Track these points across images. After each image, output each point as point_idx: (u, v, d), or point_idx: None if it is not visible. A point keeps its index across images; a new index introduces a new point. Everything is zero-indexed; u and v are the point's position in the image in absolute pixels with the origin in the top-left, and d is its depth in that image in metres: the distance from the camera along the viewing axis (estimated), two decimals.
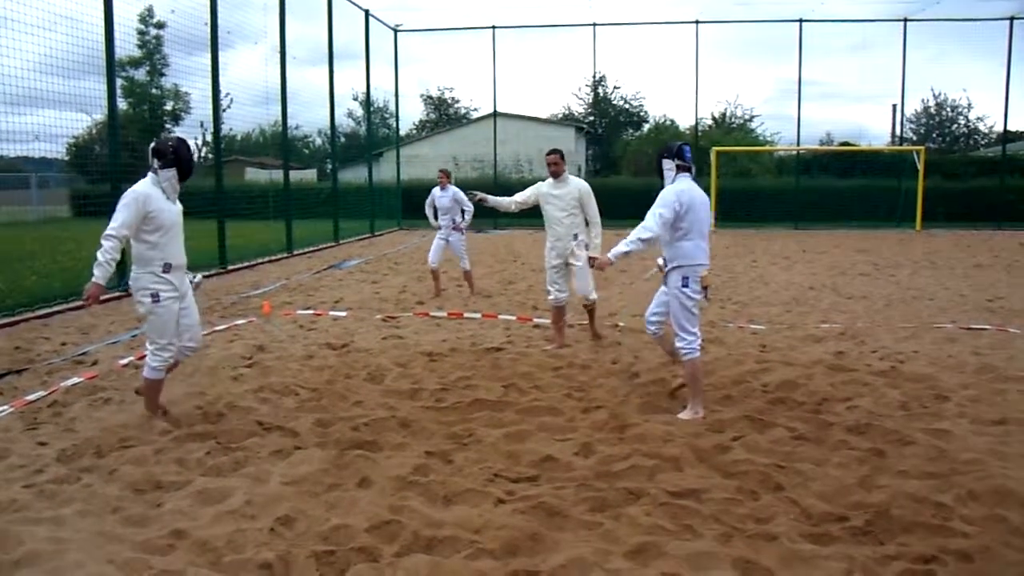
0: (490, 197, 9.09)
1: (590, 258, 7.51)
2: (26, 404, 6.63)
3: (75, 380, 7.36)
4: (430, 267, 12.57)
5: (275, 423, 5.97)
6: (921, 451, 5.29)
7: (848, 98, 61.02)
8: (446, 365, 7.77)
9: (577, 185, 8.47)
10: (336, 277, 15.26)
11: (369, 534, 4.16)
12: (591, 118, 48.19)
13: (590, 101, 48.83)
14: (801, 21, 27.46)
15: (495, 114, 31.08)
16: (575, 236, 8.45)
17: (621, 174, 40.27)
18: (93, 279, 5.60)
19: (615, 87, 51.53)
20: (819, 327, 9.62)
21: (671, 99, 75.49)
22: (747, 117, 46.00)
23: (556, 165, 8.42)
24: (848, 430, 5.74)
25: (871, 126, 79.90)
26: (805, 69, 27.89)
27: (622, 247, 6.17)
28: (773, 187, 30.97)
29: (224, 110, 17.38)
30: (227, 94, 17.74)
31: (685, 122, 41.78)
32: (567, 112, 52.90)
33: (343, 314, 10.76)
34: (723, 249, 19.78)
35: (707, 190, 26.20)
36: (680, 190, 6.17)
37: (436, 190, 12.78)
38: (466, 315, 10.54)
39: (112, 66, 12.93)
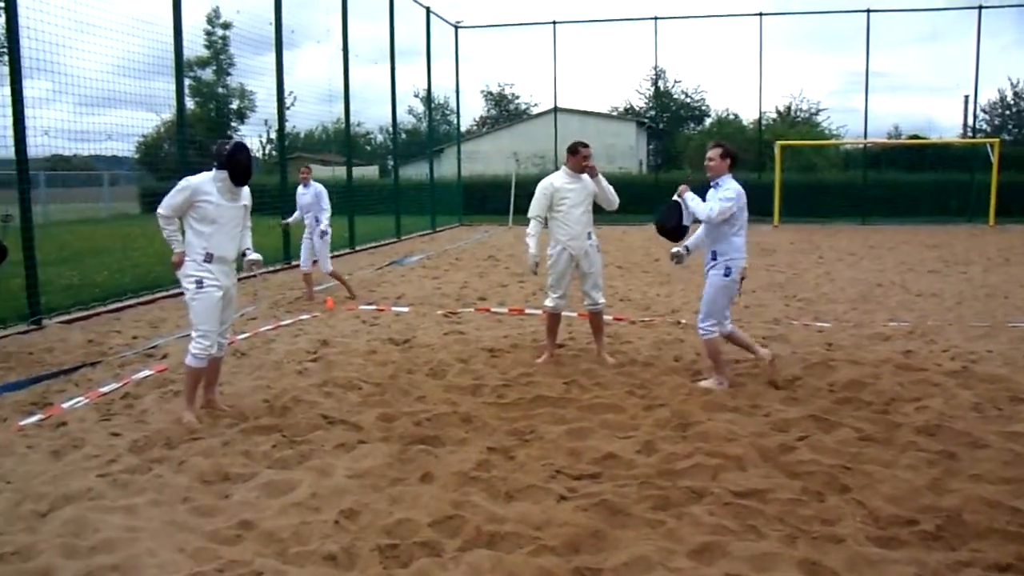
0: (535, 254, 7.85)
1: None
2: (100, 396, 6.84)
3: (146, 373, 7.57)
4: (302, 271, 11.92)
5: (339, 417, 6.06)
6: (995, 455, 5.15)
7: (917, 89, 59.66)
8: (507, 361, 7.80)
9: (588, 180, 7.80)
10: (398, 273, 15.41)
11: (432, 528, 4.20)
12: (652, 112, 47.82)
13: (651, 95, 48.44)
14: (869, 11, 26.82)
15: (555, 109, 31.01)
16: (589, 235, 7.78)
17: (683, 168, 39.91)
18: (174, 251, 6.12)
19: (676, 81, 51.11)
20: (887, 325, 9.41)
21: (734, 93, 74.76)
22: (812, 110, 45.26)
23: (585, 160, 7.72)
24: (917, 431, 5.61)
25: (941, 118, 78.05)
26: (872, 60, 27.26)
27: (697, 205, 6.80)
28: (839, 181, 30.36)
29: (288, 108, 17.65)
30: (291, 92, 18.05)
31: (748, 116, 41.28)
32: (628, 106, 52.57)
33: (405, 310, 10.86)
34: (787, 245, 19.48)
35: (771, 185, 26.05)
36: (740, 189, 6.67)
37: (299, 188, 11.96)
38: (527, 311, 10.54)
39: (180, 66, 13.24)
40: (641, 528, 4.22)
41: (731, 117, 43.06)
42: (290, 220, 12.20)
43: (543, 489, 4.68)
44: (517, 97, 59.11)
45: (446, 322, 9.92)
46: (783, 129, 38.05)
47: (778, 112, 45.27)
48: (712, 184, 6.83)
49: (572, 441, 5.51)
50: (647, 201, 29.01)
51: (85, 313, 10.79)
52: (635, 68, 74.32)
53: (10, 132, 10.01)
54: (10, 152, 10.34)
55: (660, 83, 45.92)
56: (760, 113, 31.12)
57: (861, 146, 31.26)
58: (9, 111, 10.05)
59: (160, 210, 6.05)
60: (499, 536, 4.11)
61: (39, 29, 10.44)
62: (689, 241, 7.43)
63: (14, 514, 4.49)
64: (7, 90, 10.12)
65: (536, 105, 55.57)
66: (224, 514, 4.46)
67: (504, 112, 58.22)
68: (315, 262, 11.78)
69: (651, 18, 28.79)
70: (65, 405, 6.56)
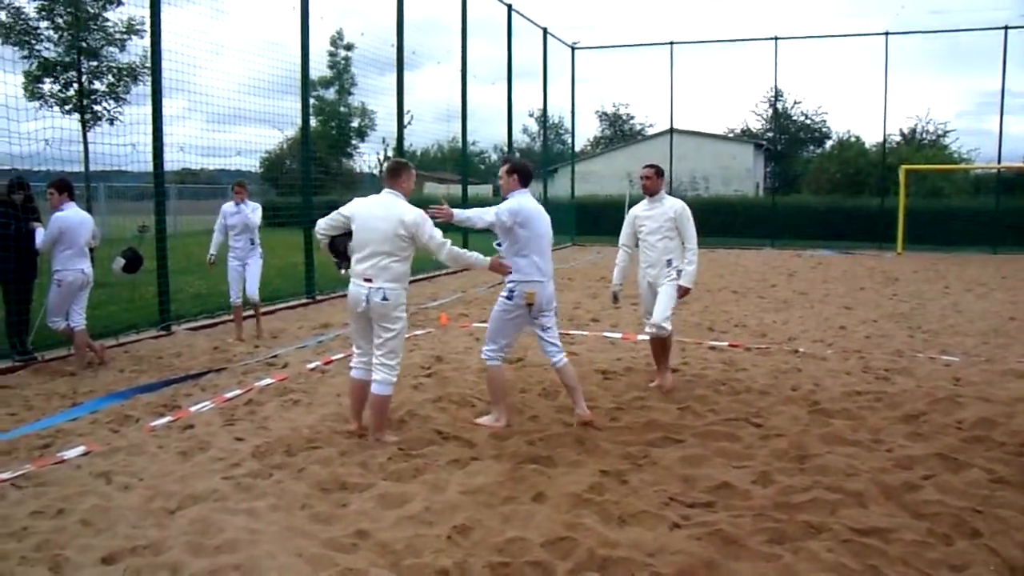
0: (614, 283, 7.91)
1: (680, 288, 7.39)
2: (225, 401, 7.15)
3: (268, 381, 7.86)
4: (234, 303, 10.21)
5: (453, 433, 6.16)
6: None
7: None
8: (620, 384, 7.76)
9: (672, 204, 7.50)
10: None
11: (544, 549, 4.21)
12: (770, 134, 46.93)
13: (769, 116, 47.56)
14: (1007, 28, 25.66)
15: (671, 130, 30.76)
16: (668, 262, 7.46)
17: (801, 192, 38.98)
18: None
19: (796, 102, 50.12)
20: (1021, 361, 8.95)
21: (856, 114, 72.57)
22: (939, 132, 43.56)
23: (649, 180, 7.53)
24: None
25: None
26: (1009, 79, 26.05)
27: (471, 214, 6.42)
28: (968, 208, 29.01)
29: (405, 126, 18.09)
30: (408, 111, 18.50)
31: (871, 138, 40.07)
32: (745, 128, 51.80)
33: None
34: (911, 273, 18.76)
35: (894, 211, 25.14)
36: (525, 206, 6.31)
37: (227, 205, 10.29)
38: (639, 337, 10.45)
39: (307, 86, 13.75)
40: (756, 561, 4.13)
41: (853, 139, 41.85)
42: (214, 252, 10.25)
43: (656, 515, 4.63)
44: (632, 118, 59.03)
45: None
46: (908, 152, 36.68)
47: (903, 134, 43.80)
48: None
49: (686, 468, 5.44)
50: (764, 224, 28.65)
51: (211, 321, 11.31)
52: (753, 89, 73.17)
53: (150, 147, 10.62)
54: (148, 166, 10.97)
55: (779, 104, 45.05)
56: (884, 135, 30.19)
57: (994, 171, 29.87)
58: (149, 128, 10.65)
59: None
60: (611, 561, 4.09)
61: (177, 51, 11.04)
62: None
63: (146, 509, 4.74)
64: (148, 108, 10.75)
65: (651, 126, 55.37)
66: (341, 522, 4.59)
67: (619, 132, 58.19)
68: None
69: (771, 38, 28.28)
70: (192, 408, 6.89)
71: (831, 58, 62.61)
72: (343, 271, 6.25)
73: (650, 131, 53.37)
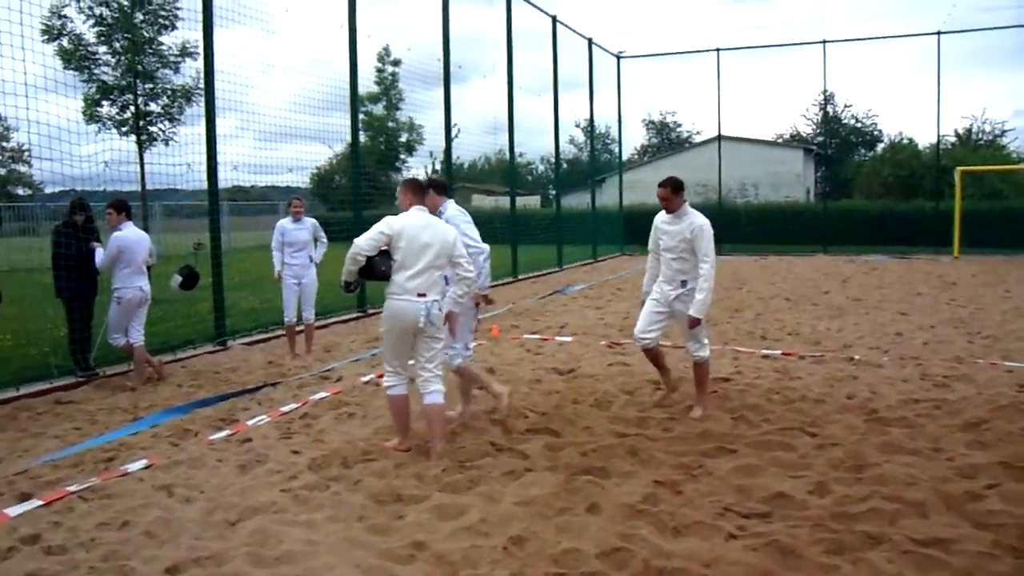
0: (643, 291, 7.53)
1: (688, 319, 6.85)
2: (280, 415, 7.27)
3: (322, 394, 7.98)
4: (287, 322, 10.13)
5: (507, 444, 6.18)
6: None
7: None
8: (674, 394, 7.72)
9: (691, 222, 6.94)
10: (560, 302, 15.56)
11: (599, 560, 4.22)
12: (820, 138, 46.37)
13: (819, 121, 47.01)
14: None
15: (719, 137, 30.54)
16: (683, 283, 6.99)
17: (853, 196, 38.42)
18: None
19: (846, 105, 49.52)
20: None
21: (908, 115, 71.30)
22: (997, 132, 42.68)
23: (666, 201, 7.03)
24: None
25: None
26: None
27: None
28: None
29: (452, 139, 18.23)
30: (455, 124, 18.64)
31: (925, 140, 39.37)
32: (794, 133, 51.27)
33: (568, 339, 10.95)
34: (969, 277, 18.38)
35: (950, 214, 24.65)
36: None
37: (285, 222, 9.99)
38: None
39: (355, 102, 13.94)
40: (814, 572, 4.09)
41: (905, 141, 41.18)
42: (279, 269, 9.99)
43: (711, 526, 4.61)
44: (679, 125, 58.85)
45: (610, 352, 9.93)
46: (964, 153, 35.94)
47: (957, 135, 42.97)
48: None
49: (741, 478, 5.40)
50: (815, 231, 28.27)
51: (265, 336, 11.51)
52: (802, 93, 72.33)
53: (204, 166, 10.85)
54: (202, 184, 11.21)
55: (829, 108, 44.54)
56: (938, 137, 29.71)
57: None
58: (203, 147, 10.89)
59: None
60: (667, 572, 4.08)
61: (229, 71, 11.28)
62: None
63: (208, 521, 4.84)
64: (201, 128, 11.00)
65: (699, 133, 55.05)
66: (398, 534, 4.64)
67: (666, 141, 58.02)
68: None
69: (819, 42, 27.97)
70: (250, 422, 7.02)
71: (881, 59, 61.83)
72: (352, 291, 6.34)
73: (697, 138, 53.06)
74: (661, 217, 7.23)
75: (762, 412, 7.01)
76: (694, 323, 6.87)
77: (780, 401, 7.38)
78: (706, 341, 7.15)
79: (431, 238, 5.99)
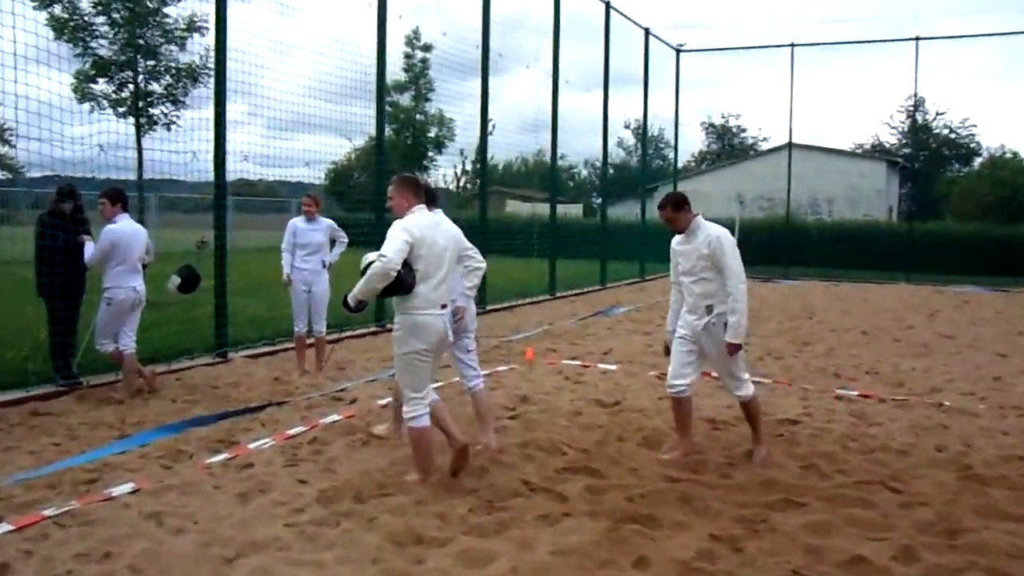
0: (667, 330, 7.38)
1: (726, 344, 6.70)
2: (287, 438, 7.29)
3: (334, 418, 8.00)
4: (297, 333, 10.32)
5: (542, 484, 6.14)
6: None
7: None
8: (732, 435, 7.64)
9: (706, 235, 6.81)
10: (604, 325, 15.52)
11: None
12: (906, 150, 46.02)
13: (906, 130, 46.69)
14: None
15: (790, 144, 30.36)
16: (708, 309, 6.81)
17: (943, 218, 38.02)
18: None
19: (938, 113, 49.16)
20: None
21: (1012, 127, 70.53)
22: None
23: (672, 222, 6.95)
24: None
25: None
26: None
27: None
28: None
29: (488, 136, 18.25)
30: (490, 119, 18.71)
31: None
32: (876, 143, 50.96)
33: (612, 367, 10.91)
34: None
35: None
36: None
37: (298, 221, 10.19)
38: (754, 379, 10.28)
39: (383, 90, 14.02)
40: None
41: (1008, 156, 40.68)
42: (288, 271, 10.14)
43: None
44: (743, 130, 58.76)
45: (660, 384, 9.83)
46: None
47: None
48: None
49: (811, 537, 5.31)
50: (898, 255, 27.99)
51: (271, 348, 11.57)
52: (887, 98, 71.84)
53: (211, 155, 10.92)
54: (206, 175, 11.29)
55: (918, 115, 44.17)
56: None
57: None
58: (210, 134, 10.96)
59: None
60: None
61: (242, 50, 11.39)
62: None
63: (201, 556, 4.83)
64: (209, 112, 11.08)
65: (766, 140, 54.91)
66: None
67: (727, 147, 57.97)
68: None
69: (912, 39, 27.69)
70: (251, 445, 7.03)
71: (981, 61, 61.17)
72: (360, 311, 6.17)
73: (764, 146, 52.99)
74: (675, 240, 7.12)
75: (836, 461, 6.90)
76: (733, 349, 6.71)
77: (857, 450, 7.26)
78: (745, 376, 6.98)
79: (445, 239, 6.12)
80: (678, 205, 6.90)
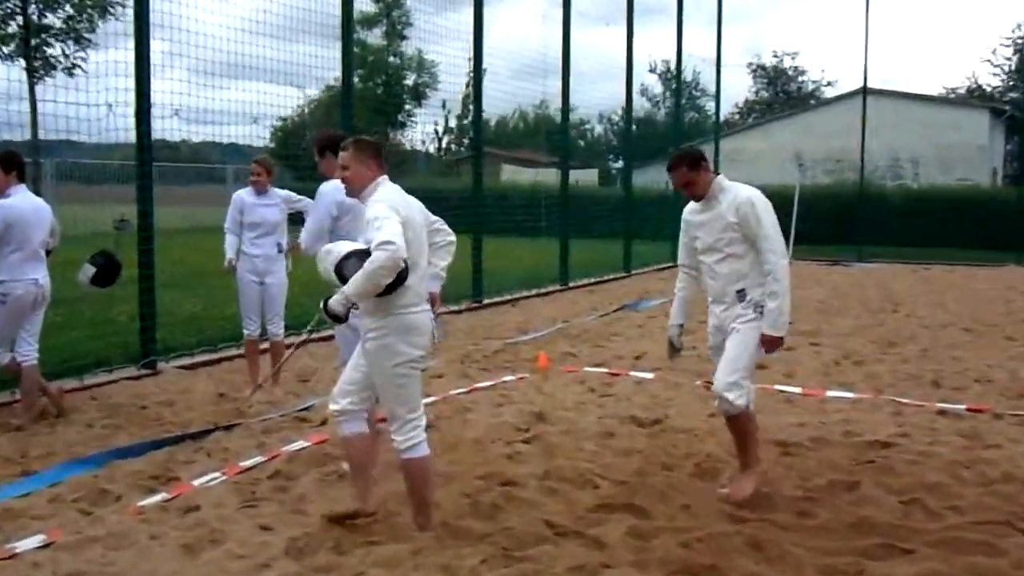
0: (671, 324, 7.48)
1: (764, 337, 6.59)
2: (241, 472, 7.27)
3: (300, 444, 7.97)
4: (247, 337, 10.23)
5: (572, 527, 6.12)
6: None
7: None
8: (810, 462, 7.64)
9: (735, 199, 6.66)
10: (633, 322, 15.57)
11: None
12: (1014, 94, 46.06)
13: (1014, 68, 46.69)
14: None
15: (864, 90, 30.33)
16: (740, 294, 6.73)
17: None
18: None
19: None
20: None
21: None
22: None
23: (687, 185, 6.79)
24: None
25: None
26: None
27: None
28: None
29: (481, 82, 18.17)
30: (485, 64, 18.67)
31: None
32: (974, 87, 50.97)
33: (649, 375, 10.94)
34: None
35: None
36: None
37: (243, 194, 10.19)
38: (829, 393, 10.29)
39: (349, 23, 13.97)
40: None
41: None
42: (231, 255, 10.15)
43: None
44: (802, 73, 58.71)
45: (710, 396, 9.81)
46: None
47: None
48: None
49: None
50: (1007, 230, 27.95)
51: (212, 356, 11.55)
52: (987, 30, 71.85)
53: (132, 108, 10.80)
54: (120, 135, 11.19)
55: None
56: None
57: None
58: (128, 81, 10.82)
59: None
60: None
61: None
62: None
63: None
64: (123, 54, 10.95)
65: (830, 84, 54.92)
66: None
67: (782, 95, 57.93)
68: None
69: None
70: (196, 482, 7.00)
71: None
72: (344, 320, 6.04)
73: (830, 92, 52.97)
74: (689, 209, 7.04)
75: (946, 495, 6.89)
76: (772, 344, 6.61)
77: (973, 480, 7.25)
78: (745, 382, 6.73)
79: (419, 215, 6.16)
80: (694, 163, 6.74)
